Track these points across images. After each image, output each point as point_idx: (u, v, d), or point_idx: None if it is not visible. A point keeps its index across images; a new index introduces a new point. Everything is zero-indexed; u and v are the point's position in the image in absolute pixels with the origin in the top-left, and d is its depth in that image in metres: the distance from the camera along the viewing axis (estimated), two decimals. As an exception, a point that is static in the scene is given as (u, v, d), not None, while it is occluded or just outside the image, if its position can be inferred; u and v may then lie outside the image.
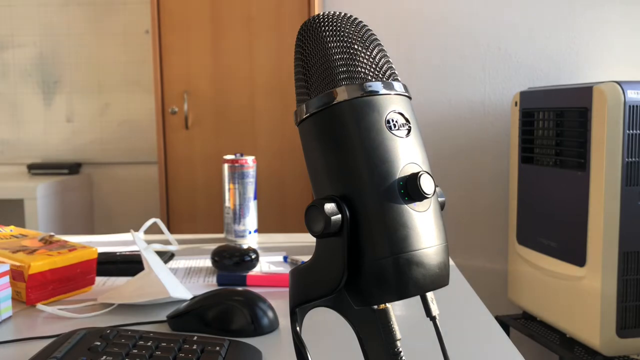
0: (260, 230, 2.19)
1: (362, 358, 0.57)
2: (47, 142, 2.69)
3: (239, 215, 1.21)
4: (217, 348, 0.61)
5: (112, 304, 0.83)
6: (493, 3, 2.48)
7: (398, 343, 0.40)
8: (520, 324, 2.17)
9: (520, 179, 2.18)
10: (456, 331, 0.73)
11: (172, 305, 0.82)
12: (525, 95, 2.14)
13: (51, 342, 0.64)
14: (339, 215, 0.38)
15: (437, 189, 0.40)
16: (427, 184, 0.38)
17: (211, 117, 2.24)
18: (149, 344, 0.61)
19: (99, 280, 0.97)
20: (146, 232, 2.31)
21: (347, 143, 0.39)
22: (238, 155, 1.21)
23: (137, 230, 2.61)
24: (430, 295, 0.41)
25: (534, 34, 2.48)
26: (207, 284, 0.94)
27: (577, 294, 1.85)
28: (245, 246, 1.02)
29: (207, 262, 1.08)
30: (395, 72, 0.42)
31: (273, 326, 0.74)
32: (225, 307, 0.73)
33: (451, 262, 1.09)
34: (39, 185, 2.25)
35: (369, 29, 0.42)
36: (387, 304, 0.40)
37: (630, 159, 1.73)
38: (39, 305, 0.79)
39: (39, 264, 0.82)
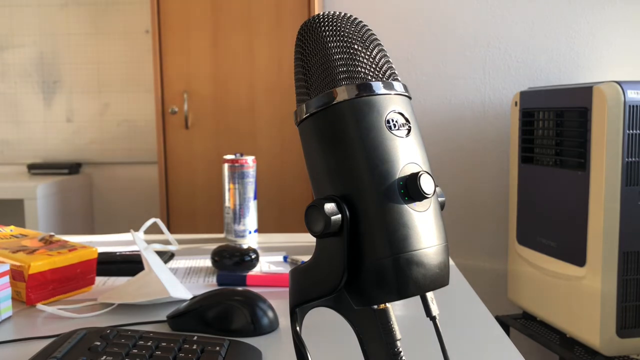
0: (260, 230, 2.19)
1: (362, 358, 0.57)
2: (47, 142, 2.69)
3: (239, 215, 1.21)
4: (217, 348, 0.61)
5: (112, 304, 0.83)
6: (493, 3, 2.48)
7: (398, 343, 0.40)
8: (520, 324, 2.16)
9: (520, 179, 2.18)
10: (456, 331, 0.73)
11: (172, 305, 0.82)
12: (525, 95, 2.14)
13: (51, 342, 0.64)
14: (339, 215, 0.38)
15: (437, 188, 0.40)
16: (427, 184, 0.38)
17: (211, 117, 2.24)
18: (149, 344, 0.61)
19: (99, 280, 0.97)
20: (146, 232, 2.31)
21: (347, 143, 0.39)
22: (238, 155, 1.21)
23: (137, 230, 2.61)
24: (430, 295, 0.41)
25: (534, 34, 2.48)
26: (207, 284, 0.94)
27: (577, 294, 1.85)
28: (245, 246, 1.02)
29: (207, 262, 1.08)
30: (395, 72, 0.42)
31: (273, 326, 0.74)
32: (225, 307, 0.73)
33: (451, 262, 1.09)
34: (39, 185, 2.25)
35: (369, 29, 0.42)
36: (387, 304, 0.40)
37: (630, 159, 1.73)
38: (39, 305, 0.79)
39: (39, 264, 0.82)
